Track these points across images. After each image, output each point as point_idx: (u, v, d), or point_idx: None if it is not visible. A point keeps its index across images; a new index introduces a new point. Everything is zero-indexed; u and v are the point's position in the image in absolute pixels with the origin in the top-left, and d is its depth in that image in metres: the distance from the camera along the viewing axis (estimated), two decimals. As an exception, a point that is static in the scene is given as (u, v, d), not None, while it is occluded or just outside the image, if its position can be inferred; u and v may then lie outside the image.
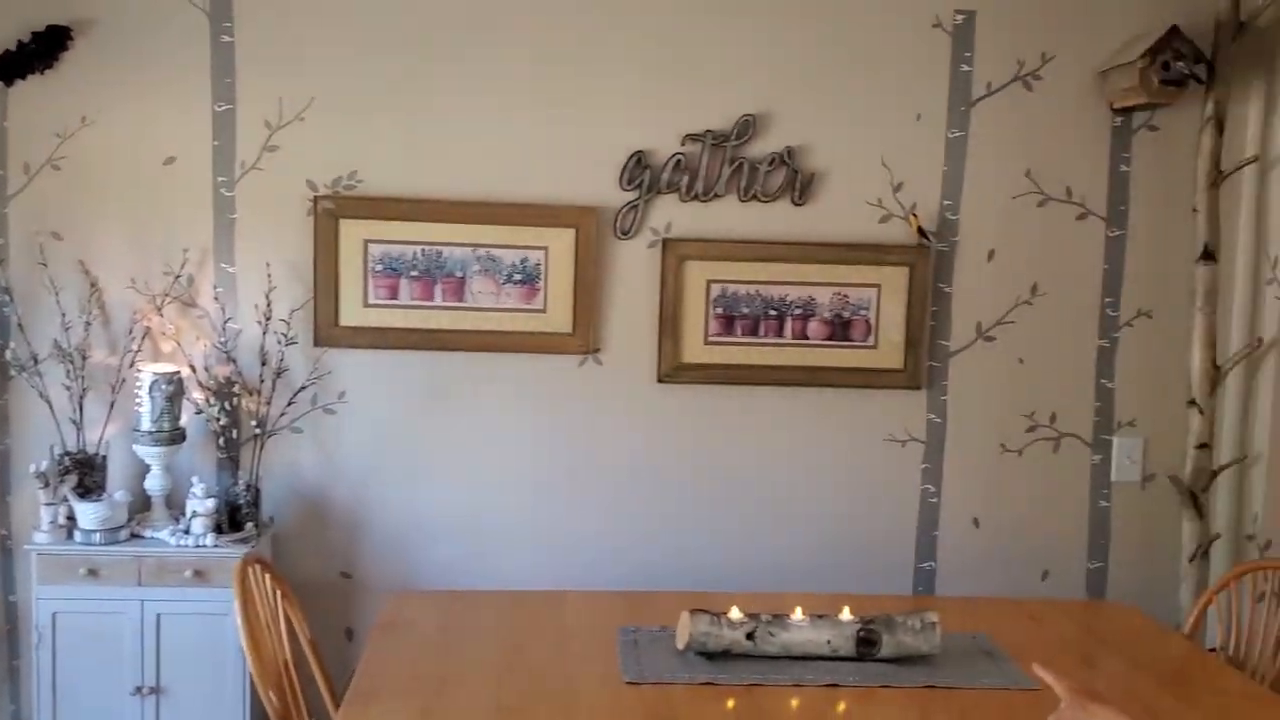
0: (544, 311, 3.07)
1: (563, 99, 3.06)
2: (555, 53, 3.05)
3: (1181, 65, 2.95)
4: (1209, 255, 3.06)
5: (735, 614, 2.36)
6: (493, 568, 3.14)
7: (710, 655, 2.36)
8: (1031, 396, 3.23)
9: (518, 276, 3.06)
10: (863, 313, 3.16)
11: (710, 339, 3.12)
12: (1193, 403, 3.11)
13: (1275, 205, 3.10)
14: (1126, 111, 3.13)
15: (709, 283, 3.11)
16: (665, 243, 3.08)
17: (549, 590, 2.91)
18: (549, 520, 3.16)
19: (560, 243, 3.05)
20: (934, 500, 3.24)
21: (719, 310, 3.12)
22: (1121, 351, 3.23)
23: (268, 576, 2.43)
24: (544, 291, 3.07)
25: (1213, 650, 2.88)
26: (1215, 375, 3.09)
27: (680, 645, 2.36)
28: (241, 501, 2.98)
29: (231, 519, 2.97)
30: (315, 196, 3.03)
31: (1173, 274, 3.18)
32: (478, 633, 2.54)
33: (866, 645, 2.36)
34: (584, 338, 3.08)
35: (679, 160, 3.05)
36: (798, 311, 3.14)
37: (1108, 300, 3.21)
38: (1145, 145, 3.16)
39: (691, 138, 3.06)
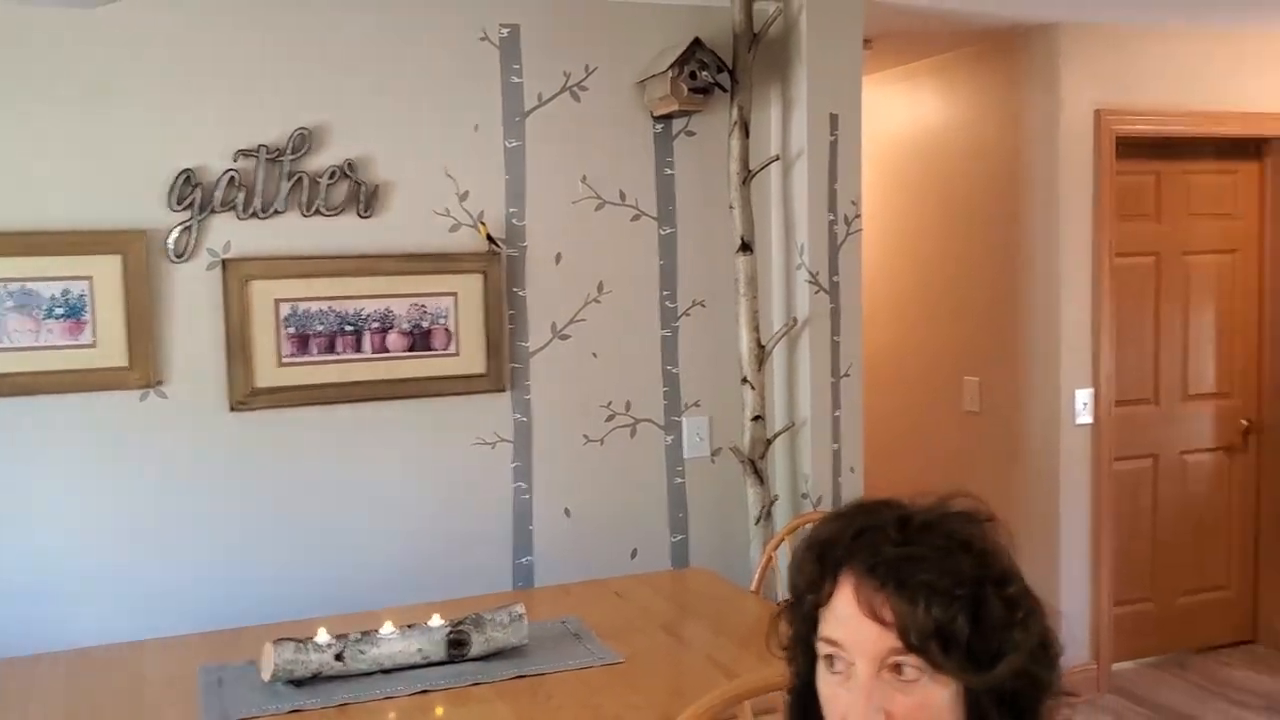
0: (94, 346, 2.86)
1: (100, 116, 2.86)
2: (89, 66, 2.85)
3: (706, 74, 3.23)
4: (746, 247, 3.38)
5: (321, 636, 2.33)
6: (61, 628, 2.87)
7: (300, 682, 2.31)
8: (608, 388, 3.42)
9: (60, 310, 2.82)
10: (442, 321, 3.20)
11: (285, 360, 3.04)
12: (745, 380, 3.42)
13: (798, 199, 3.47)
14: (666, 118, 3.38)
15: (278, 302, 3.02)
16: (225, 263, 2.96)
17: (124, 643, 2.72)
18: (123, 568, 2.95)
19: (106, 270, 2.85)
20: (526, 497, 3.34)
21: (292, 330, 3.05)
22: (682, 339, 3.49)
23: None
24: (92, 324, 2.85)
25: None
26: (761, 354, 3.42)
27: (266, 677, 2.29)
28: None
29: None
30: None
31: (719, 265, 3.48)
32: (39, 699, 2.34)
33: (457, 647, 2.41)
34: (143, 370, 2.90)
35: (233, 177, 2.95)
36: (375, 325, 3.14)
37: (666, 293, 3.46)
38: (685, 149, 3.44)
39: (244, 153, 2.97)
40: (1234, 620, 4.69)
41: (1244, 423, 4.59)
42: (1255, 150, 4.51)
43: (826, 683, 1.09)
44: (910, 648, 1.02)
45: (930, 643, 1.01)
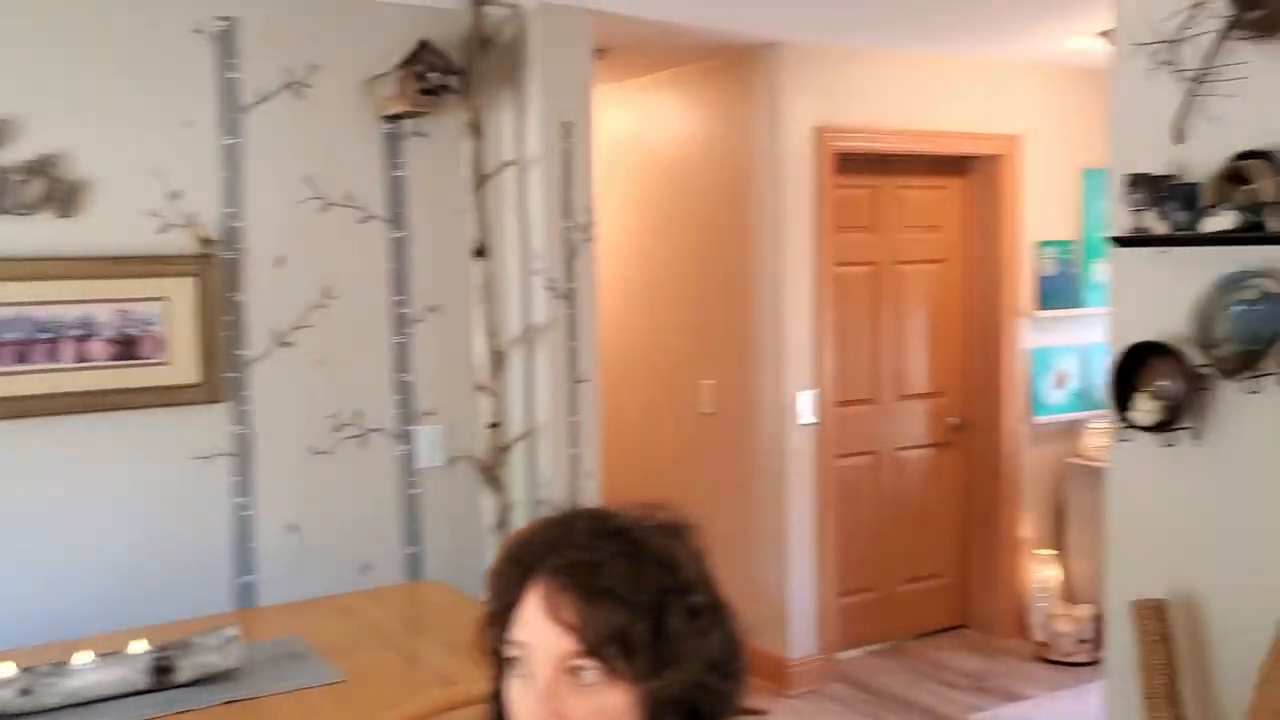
0: None
1: None
2: None
3: (435, 76, 3.18)
4: (481, 252, 3.34)
5: (2, 670, 2.13)
6: None
7: (-22, 724, 2.10)
8: (336, 397, 3.30)
9: None
10: (150, 328, 3.00)
11: (-32, 371, 2.78)
12: (481, 387, 3.38)
13: (534, 204, 3.47)
14: (396, 119, 3.30)
15: (-40, 308, 2.76)
16: (-104, 265, 2.68)
17: None
18: None
19: None
20: (248, 513, 3.18)
21: (-23, 338, 2.78)
22: (416, 346, 3.41)
23: None
24: None
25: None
26: (498, 360, 3.39)
27: (-64, 721, 2.08)
28: None
29: None
30: None
31: (454, 270, 3.43)
32: None
33: (162, 674, 2.26)
34: None
35: (-96, 170, 2.67)
36: (75, 332, 2.91)
37: (398, 298, 3.38)
38: (416, 150, 3.37)
39: (-82, 145, 2.69)
40: (948, 606, 5.03)
41: (953, 421, 4.94)
42: (960, 167, 4.86)
43: (511, 686, 1.08)
44: (588, 651, 1.02)
45: (608, 647, 1.02)
